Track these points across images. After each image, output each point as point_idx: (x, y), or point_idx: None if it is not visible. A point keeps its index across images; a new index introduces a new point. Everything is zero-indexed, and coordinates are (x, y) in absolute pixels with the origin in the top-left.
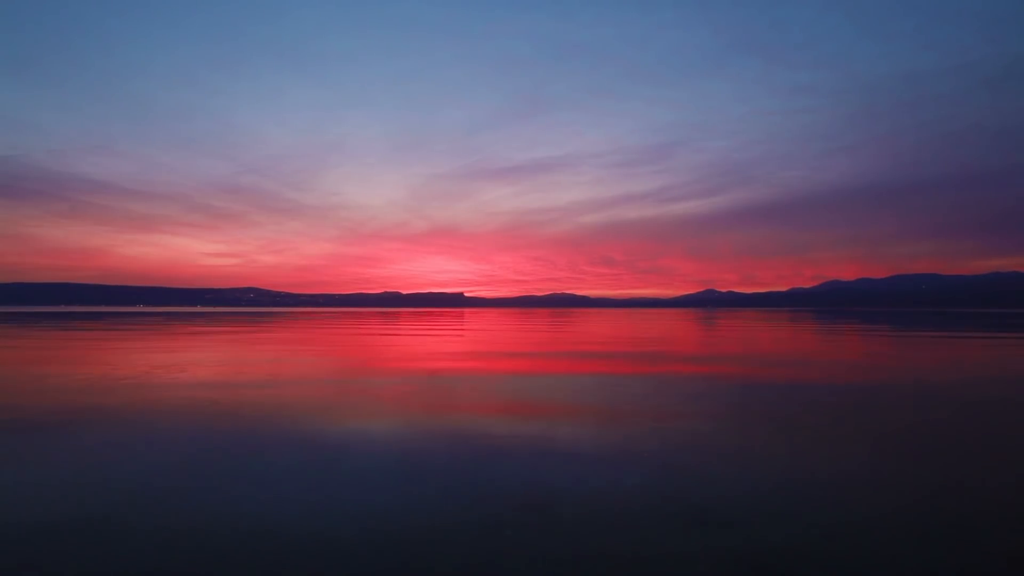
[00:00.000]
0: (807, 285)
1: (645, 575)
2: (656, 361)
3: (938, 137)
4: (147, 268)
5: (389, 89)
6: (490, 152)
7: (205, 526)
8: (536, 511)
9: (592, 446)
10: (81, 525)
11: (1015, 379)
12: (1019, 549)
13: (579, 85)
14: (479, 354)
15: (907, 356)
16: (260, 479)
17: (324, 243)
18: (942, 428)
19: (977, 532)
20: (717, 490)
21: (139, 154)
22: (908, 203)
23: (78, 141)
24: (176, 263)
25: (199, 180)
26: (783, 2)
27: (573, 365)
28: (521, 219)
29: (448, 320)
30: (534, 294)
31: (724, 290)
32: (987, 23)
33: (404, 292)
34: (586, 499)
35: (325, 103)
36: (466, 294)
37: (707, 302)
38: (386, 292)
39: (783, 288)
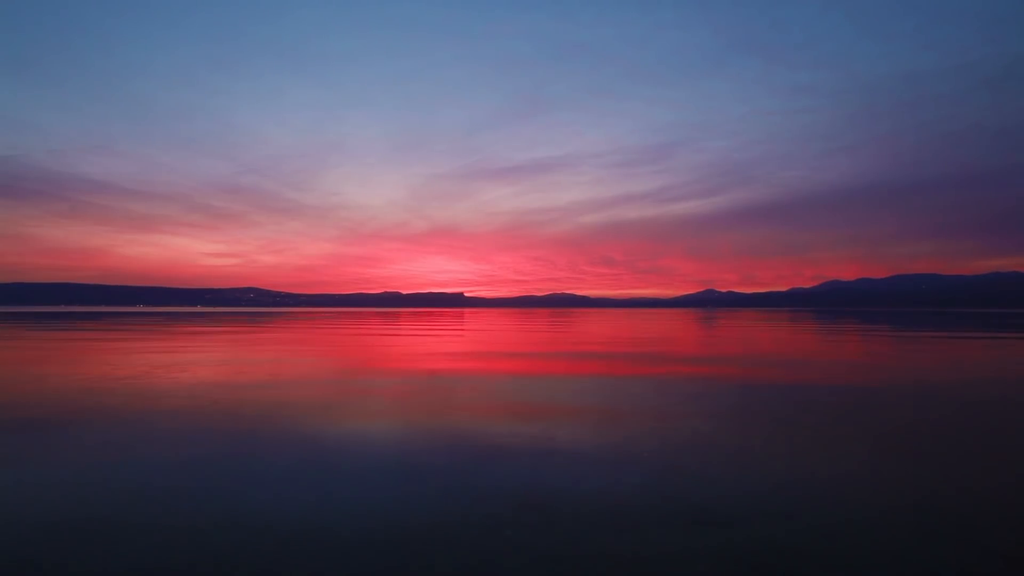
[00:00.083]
0: (807, 285)
1: (645, 574)
2: (656, 362)
3: (938, 137)
4: (147, 268)
5: (389, 89)
6: (490, 152)
7: (205, 526)
8: (536, 511)
9: (592, 446)
10: (81, 525)
11: (1015, 379)
12: (1019, 549)
13: (579, 85)
14: (479, 354)
15: (907, 356)
16: (260, 479)
17: (324, 243)
18: (942, 428)
19: (977, 532)
20: (717, 490)
21: (139, 154)
22: (908, 203)
23: (78, 141)
24: (176, 263)
25: (199, 180)
26: (783, 2)
27: (573, 365)
28: (521, 219)
29: (448, 320)
30: (534, 294)
31: (724, 290)
32: (987, 23)
33: (404, 292)
34: (586, 499)
35: (325, 103)
36: (466, 294)
37: (707, 302)
38: (386, 292)
39: (783, 288)
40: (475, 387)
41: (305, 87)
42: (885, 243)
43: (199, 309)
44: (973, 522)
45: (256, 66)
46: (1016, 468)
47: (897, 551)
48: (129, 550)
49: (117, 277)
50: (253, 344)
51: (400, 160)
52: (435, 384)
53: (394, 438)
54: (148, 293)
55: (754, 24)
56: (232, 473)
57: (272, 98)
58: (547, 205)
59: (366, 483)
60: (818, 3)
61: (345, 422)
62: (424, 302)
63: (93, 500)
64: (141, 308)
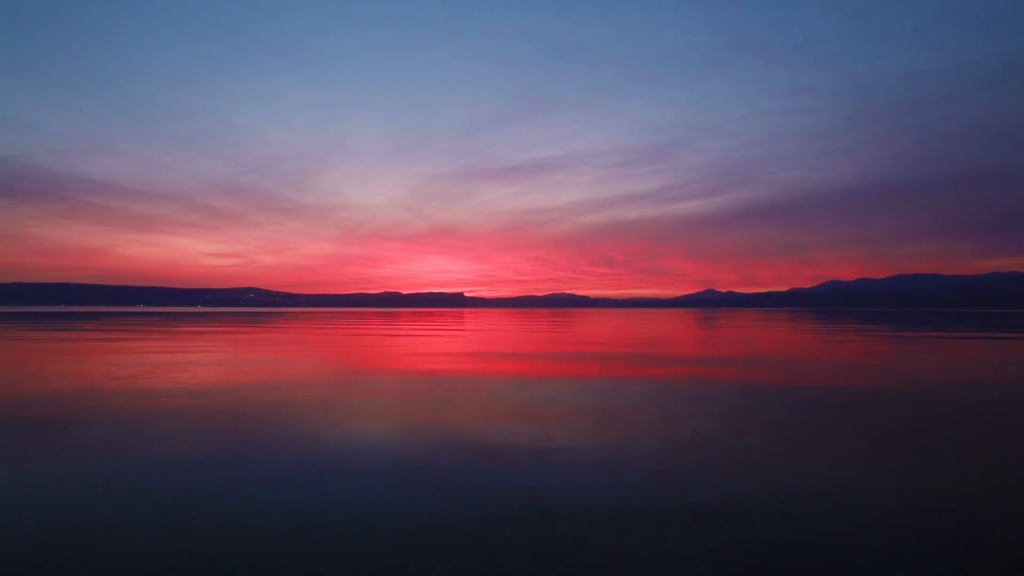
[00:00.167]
0: (807, 285)
1: (645, 573)
2: (656, 362)
3: (938, 137)
4: (147, 268)
5: (389, 89)
6: (490, 152)
7: (206, 525)
8: (536, 510)
9: (592, 446)
10: (82, 524)
11: (1015, 379)
12: (1019, 549)
13: (579, 85)
14: (479, 355)
15: (907, 356)
16: (260, 478)
17: (324, 243)
18: (942, 428)
19: (977, 532)
20: (718, 490)
21: (139, 154)
22: (908, 203)
23: (78, 141)
24: (176, 263)
25: (199, 180)
26: (783, 2)
27: (573, 366)
28: (521, 219)
29: (448, 320)
30: (534, 294)
31: (724, 290)
32: (987, 23)
33: (404, 292)
34: (586, 498)
35: (325, 103)
36: (466, 294)
37: (707, 302)
38: (386, 292)
39: (783, 288)
40: (475, 387)
41: (305, 87)
42: (885, 243)
43: (199, 309)
44: (973, 522)
45: (256, 66)
46: (1016, 468)
47: (897, 550)
48: (129, 549)
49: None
50: (253, 344)
51: (400, 160)
52: (435, 384)
53: (394, 438)
54: (148, 293)
55: (754, 24)
56: (232, 472)
57: (272, 98)
58: (547, 205)
59: (366, 483)
60: (818, 3)
61: (345, 422)
62: (424, 302)
63: (93, 499)
64: (141, 308)
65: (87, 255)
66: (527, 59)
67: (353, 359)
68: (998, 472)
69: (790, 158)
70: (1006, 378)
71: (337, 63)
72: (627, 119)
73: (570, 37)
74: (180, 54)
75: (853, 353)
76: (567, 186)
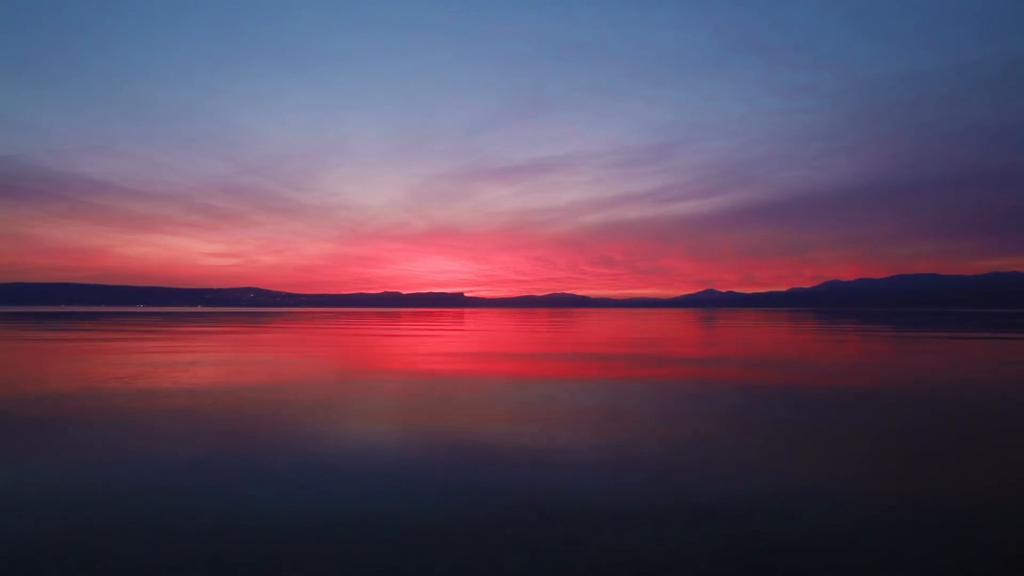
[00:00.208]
0: (807, 285)
1: (645, 573)
2: (656, 363)
3: (938, 137)
4: (147, 268)
5: (389, 89)
6: (490, 152)
7: (206, 524)
8: (536, 510)
9: (592, 447)
10: (82, 523)
11: (1014, 379)
12: (1020, 549)
13: (579, 85)
14: (478, 355)
15: (907, 357)
16: (260, 478)
17: (324, 243)
18: (942, 428)
19: (978, 531)
20: (718, 489)
21: (139, 154)
22: (908, 203)
23: (78, 141)
24: (176, 263)
25: (199, 180)
26: (783, 2)
27: (573, 366)
28: (521, 219)
29: (448, 320)
30: (534, 294)
31: (724, 290)
32: (987, 23)
33: (404, 292)
34: (586, 498)
35: (325, 103)
36: (466, 294)
37: (707, 302)
38: (386, 292)
39: (783, 288)
40: (474, 388)
41: (305, 87)
42: (885, 243)
43: (199, 309)
44: (973, 522)
45: (256, 66)
46: (1016, 468)
47: (897, 550)
48: (130, 549)
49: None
50: (253, 344)
51: (400, 160)
52: (435, 385)
53: (394, 438)
54: (148, 293)
55: (754, 24)
56: (233, 472)
57: (272, 98)
58: (547, 205)
59: (366, 482)
60: (818, 3)
61: (345, 422)
62: (424, 302)
63: (93, 499)
64: (141, 308)
65: (87, 255)
66: (527, 59)
67: (353, 359)
68: (998, 472)
69: (790, 158)
70: (1006, 378)
71: (337, 63)
72: (627, 119)
73: (570, 37)
74: (180, 54)
75: (853, 353)
76: (567, 186)
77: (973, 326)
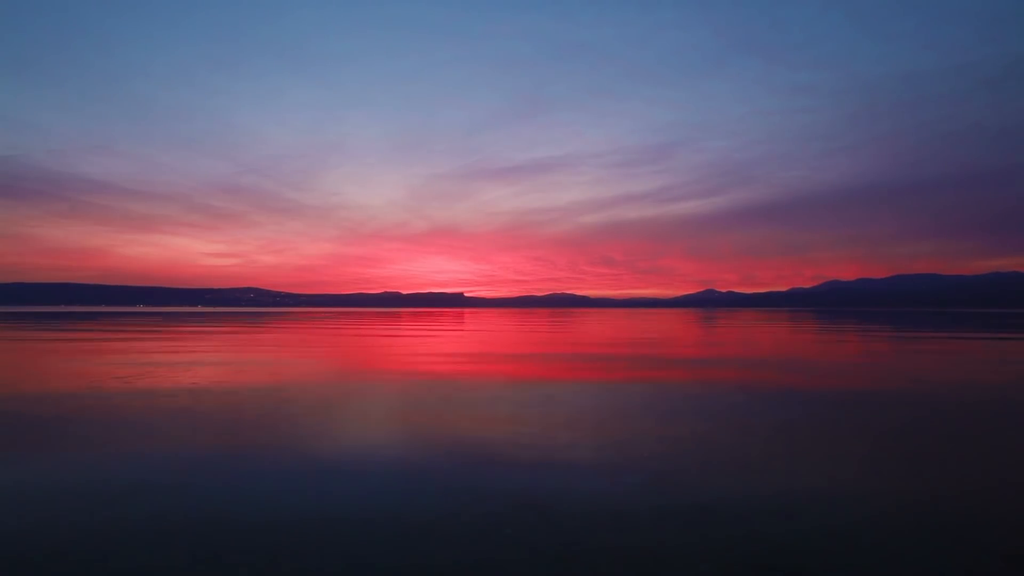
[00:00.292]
0: (807, 285)
1: (644, 572)
2: (656, 364)
3: (938, 137)
4: (147, 268)
5: (389, 89)
6: (490, 152)
7: (206, 523)
8: (535, 510)
9: (592, 447)
10: (81, 523)
11: (1015, 379)
12: (1019, 549)
13: (579, 85)
14: (478, 356)
15: (907, 357)
16: (260, 478)
17: (324, 243)
18: (942, 429)
19: (978, 532)
20: (718, 490)
21: (139, 154)
22: (908, 203)
23: (78, 141)
24: (176, 263)
25: (199, 180)
26: (783, 2)
27: (573, 367)
28: (521, 219)
29: (448, 321)
30: (534, 294)
31: (724, 290)
32: (987, 23)
33: (404, 292)
34: (586, 498)
35: (325, 103)
36: (466, 294)
37: (707, 302)
38: (386, 292)
39: (783, 288)
40: (474, 388)
41: (305, 87)
42: (885, 243)
43: (199, 309)
44: (973, 522)
45: (256, 66)
46: (1016, 468)
47: (898, 550)
48: (129, 548)
49: (117, 277)
50: (253, 344)
51: (400, 160)
52: (434, 385)
53: (394, 438)
54: (148, 293)
55: (754, 24)
56: (233, 472)
57: (272, 98)
58: (547, 205)
59: (366, 482)
60: (818, 3)
61: (345, 422)
62: (424, 302)
63: (93, 499)
64: (141, 308)
65: (87, 255)
66: (527, 59)
67: (353, 360)
68: (998, 472)
69: (790, 158)
70: (1006, 378)
71: (337, 63)
72: (627, 119)
73: (570, 37)
74: (180, 54)
75: (853, 353)
76: (567, 186)
77: (973, 326)
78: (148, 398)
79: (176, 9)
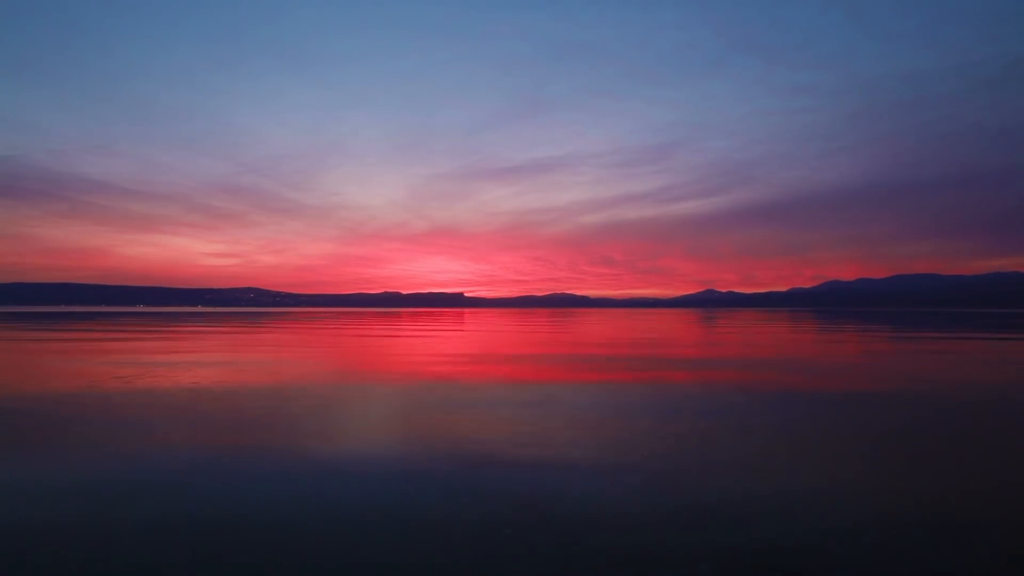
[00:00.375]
0: (807, 285)
1: (644, 572)
2: (656, 364)
3: (938, 137)
4: (147, 268)
5: (389, 89)
6: (490, 152)
7: (205, 523)
8: (535, 510)
9: (592, 448)
10: (81, 522)
11: (1015, 380)
12: (1019, 549)
13: (579, 85)
14: (478, 357)
15: (907, 357)
16: (260, 477)
17: (324, 243)
18: (942, 428)
19: (979, 532)
20: (718, 490)
21: (139, 154)
22: (908, 203)
23: (78, 141)
24: (176, 263)
25: (199, 180)
26: (783, 2)
27: (573, 368)
28: (521, 219)
29: (448, 321)
30: (534, 294)
31: (724, 290)
32: (987, 23)
33: (404, 292)
34: (586, 499)
35: (325, 103)
36: (466, 294)
37: (707, 302)
38: (386, 292)
39: (783, 288)
40: (474, 389)
41: (305, 87)
42: (885, 243)
43: (199, 309)
44: (974, 522)
45: (256, 66)
46: (1016, 468)
47: (897, 550)
48: (129, 548)
49: (117, 277)
50: (253, 345)
51: (400, 160)
52: (435, 386)
53: (394, 439)
54: (148, 293)
55: (754, 24)
56: (233, 472)
57: (272, 98)
58: (547, 205)
59: (366, 482)
60: (818, 3)
61: (345, 423)
62: (424, 302)
63: (93, 498)
64: (141, 308)
65: (87, 255)
66: (527, 59)
67: (353, 360)
68: (998, 472)
69: (790, 158)
70: (1006, 378)
71: (337, 63)
72: (627, 119)
73: (570, 37)
74: (180, 54)
75: (853, 353)
76: (567, 186)
77: (973, 326)
78: (148, 398)
79: (176, 9)
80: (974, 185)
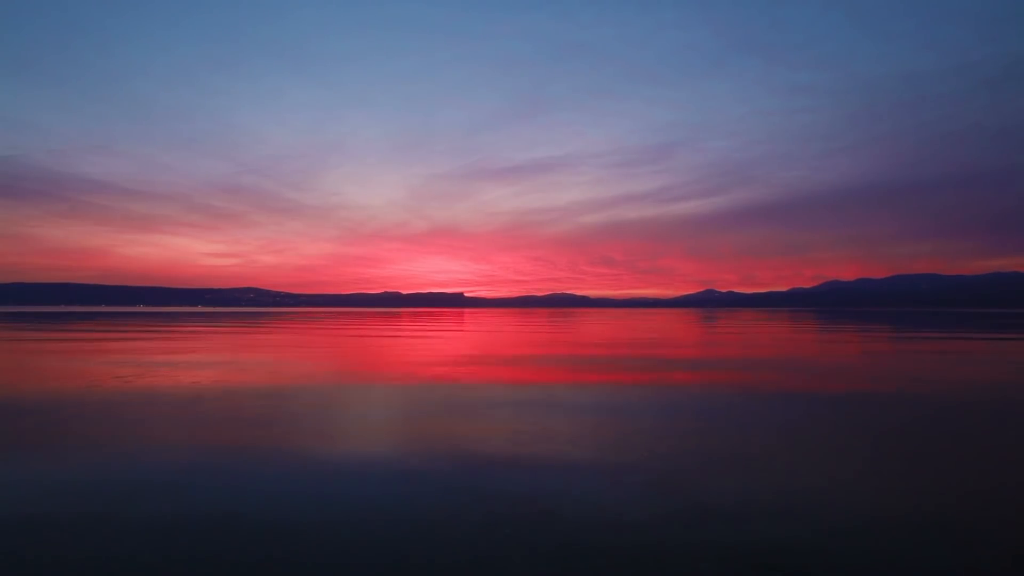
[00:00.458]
0: (807, 285)
1: (645, 571)
2: (656, 365)
3: (938, 137)
4: (147, 268)
5: (389, 89)
6: (490, 152)
7: (204, 523)
8: (535, 510)
9: (592, 448)
10: (81, 522)
11: (1015, 380)
12: (1020, 549)
13: (579, 85)
14: (478, 357)
15: (907, 357)
16: (260, 477)
17: (324, 243)
18: (943, 429)
19: (979, 532)
20: (719, 490)
21: (139, 154)
22: (908, 203)
23: (78, 141)
24: (176, 263)
25: (199, 180)
26: (783, 2)
27: (573, 368)
28: (521, 219)
29: (448, 321)
30: (534, 294)
31: (724, 290)
32: (987, 23)
33: (404, 292)
34: (586, 499)
35: (325, 103)
36: (466, 294)
37: (707, 302)
38: (386, 292)
39: (783, 288)
40: (474, 389)
41: (305, 87)
42: (885, 243)
43: (199, 309)
44: (974, 522)
45: (256, 66)
46: (1016, 468)
47: (898, 551)
48: (128, 548)
49: (117, 277)
50: (253, 345)
51: (400, 160)
52: (435, 386)
53: (394, 439)
54: (148, 293)
55: (754, 24)
56: (232, 471)
57: (272, 98)
58: (547, 205)
59: (366, 482)
60: (818, 3)
61: (346, 423)
62: (424, 302)
63: (92, 497)
64: (141, 308)
65: (87, 255)
66: (527, 59)
67: (353, 361)
68: (998, 472)
69: (790, 158)
70: (1006, 378)
71: (337, 63)
72: (627, 119)
73: (570, 37)
74: (180, 54)
75: (853, 354)
76: (567, 186)
77: (973, 326)
78: (148, 398)
79: (176, 9)
80: (974, 185)
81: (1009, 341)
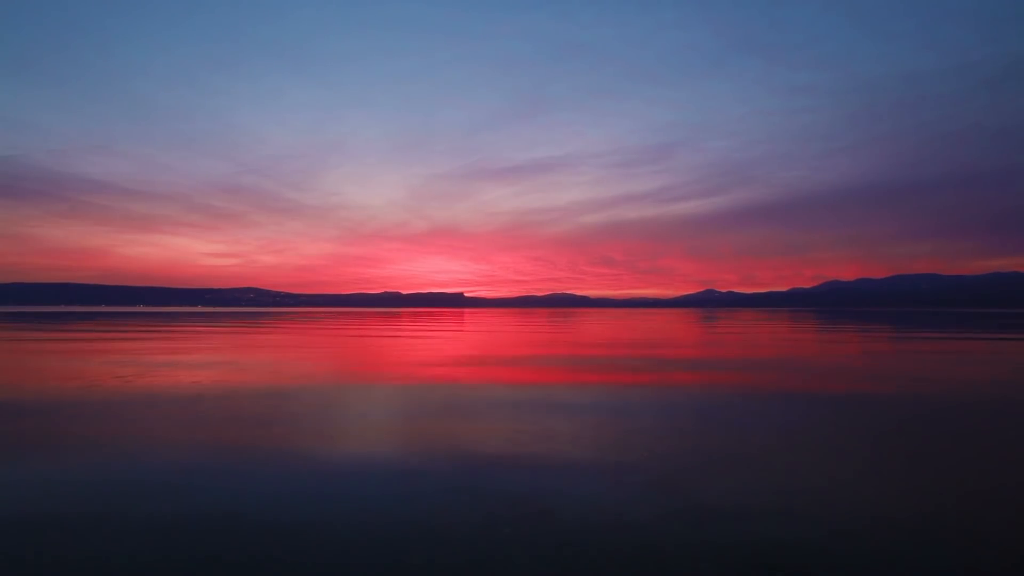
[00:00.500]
0: (807, 285)
1: (645, 571)
2: (656, 365)
3: (938, 137)
4: (147, 268)
5: (389, 89)
6: (490, 152)
7: (204, 523)
8: (535, 510)
9: (592, 449)
10: (80, 523)
11: (1014, 379)
12: (1019, 549)
13: (579, 85)
14: (478, 358)
15: (907, 358)
16: (260, 477)
17: (324, 243)
18: (943, 429)
19: (980, 532)
20: (719, 490)
21: (139, 154)
22: (908, 203)
23: (78, 141)
24: (176, 263)
25: (199, 180)
26: (783, 2)
27: (573, 369)
28: (521, 219)
29: (448, 321)
30: (534, 294)
31: (724, 290)
32: (987, 23)
33: (404, 292)
34: (586, 499)
35: (325, 103)
36: (466, 294)
37: (707, 303)
38: (386, 292)
39: (783, 288)
40: (474, 389)
41: (305, 87)
42: (885, 243)
43: (199, 309)
44: (974, 522)
45: (256, 66)
46: (1016, 468)
47: (899, 550)
48: (128, 549)
49: (117, 277)
50: (253, 345)
51: (400, 160)
52: (435, 386)
53: (394, 439)
54: (148, 293)
55: (754, 24)
56: (232, 472)
57: (272, 98)
58: (547, 205)
59: (366, 482)
60: (818, 3)
61: (346, 423)
62: (424, 302)
63: (92, 497)
64: (141, 308)
65: (87, 255)
66: (527, 59)
67: (353, 361)
68: (998, 472)
69: (790, 158)
70: (1006, 378)
71: (337, 63)
72: (627, 119)
73: (570, 37)
74: (180, 54)
75: (853, 354)
76: (567, 186)
77: (973, 326)
78: (148, 398)
79: (176, 9)
80: (974, 185)
81: (1009, 341)
